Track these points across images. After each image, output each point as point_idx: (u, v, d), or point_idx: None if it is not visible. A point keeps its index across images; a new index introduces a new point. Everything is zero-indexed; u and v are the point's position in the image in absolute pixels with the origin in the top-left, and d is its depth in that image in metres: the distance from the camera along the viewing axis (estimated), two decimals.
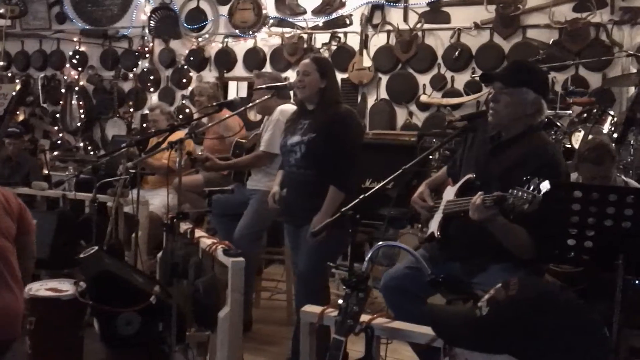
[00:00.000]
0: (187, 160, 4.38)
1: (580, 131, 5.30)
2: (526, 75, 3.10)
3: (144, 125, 8.75)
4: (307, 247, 4.01)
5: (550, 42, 6.61)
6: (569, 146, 5.27)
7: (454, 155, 3.58)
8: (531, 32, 6.84)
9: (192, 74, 8.60)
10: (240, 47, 8.33)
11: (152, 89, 8.87)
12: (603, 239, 2.54)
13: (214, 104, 5.09)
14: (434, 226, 3.21)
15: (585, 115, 5.55)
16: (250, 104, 4.80)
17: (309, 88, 4.07)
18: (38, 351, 3.95)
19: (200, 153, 5.19)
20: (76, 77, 9.32)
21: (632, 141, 5.20)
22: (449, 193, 3.22)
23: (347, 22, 7.69)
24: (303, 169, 4.05)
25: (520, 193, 2.45)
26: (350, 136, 4.06)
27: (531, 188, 2.42)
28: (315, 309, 2.86)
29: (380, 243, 2.61)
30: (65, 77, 9.45)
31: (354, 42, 7.64)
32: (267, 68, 8.01)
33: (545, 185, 2.40)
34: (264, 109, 4.98)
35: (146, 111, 8.67)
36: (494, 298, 1.60)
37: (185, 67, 8.61)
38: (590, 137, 5.00)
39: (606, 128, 5.32)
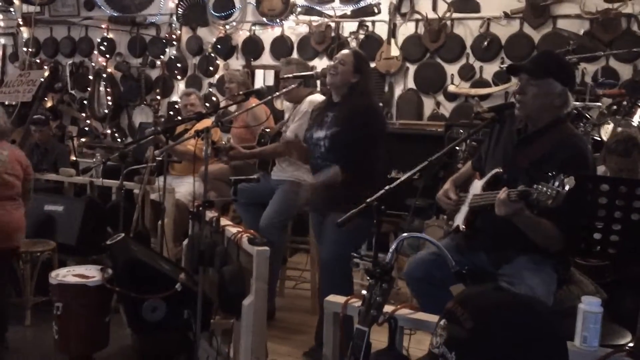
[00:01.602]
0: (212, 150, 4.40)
1: (609, 123, 5.25)
2: (553, 67, 3.07)
3: (171, 112, 8.79)
4: (330, 236, 4.05)
5: (581, 33, 6.54)
6: (598, 138, 5.22)
7: (480, 148, 3.56)
8: (562, 22, 6.76)
9: (219, 61, 8.61)
10: (268, 35, 8.33)
11: (179, 77, 8.90)
12: (630, 233, 2.52)
13: (241, 92, 5.10)
14: (459, 219, 3.19)
15: (615, 107, 5.49)
16: (277, 93, 4.79)
17: (340, 77, 4.08)
18: (65, 336, 4.00)
19: (224, 142, 5.19)
20: (104, 64, 9.36)
21: None
22: (476, 187, 3.20)
23: (375, 10, 7.65)
24: (328, 162, 4.07)
25: (544, 189, 2.44)
26: (368, 129, 4.04)
27: (556, 184, 2.40)
28: (339, 299, 2.87)
29: (404, 235, 2.60)
30: (94, 64, 9.50)
31: (382, 31, 7.60)
32: (295, 57, 8.00)
33: (569, 182, 2.38)
34: (293, 97, 4.96)
35: (174, 98, 8.73)
36: (453, 339, 1.53)
37: (213, 55, 8.62)
38: (619, 129, 4.95)
39: (636, 120, 5.26)
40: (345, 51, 4.23)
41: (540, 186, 2.47)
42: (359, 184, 3.92)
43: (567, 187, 2.37)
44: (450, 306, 1.57)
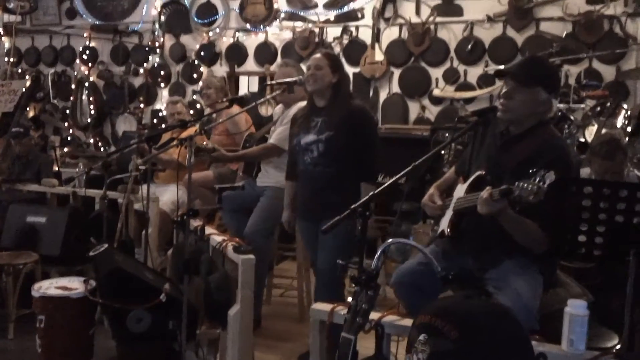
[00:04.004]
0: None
1: (594, 125, 5.26)
2: (541, 75, 3.05)
3: (155, 120, 8.75)
4: (328, 243, 3.97)
5: (564, 35, 6.57)
6: (583, 140, 5.22)
7: (463, 152, 3.55)
8: (544, 24, 6.80)
9: (203, 68, 8.58)
10: (252, 42, 8.31)
11: (162, 84, 8.86)
12: (614, 235, 2.51)
13: (225, 99, 5.06)
14: (444, 224, 3.18)
15: (599, 108, 5.50)
16: (262, 100, 4.77)
17: (320, 82, 4.05)
18: (48, 349, 3.97)
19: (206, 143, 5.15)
20: (86, 72, 9.31)
21: None
22: (460, 190, 3.19)
23: (359, 15, 7.66)
24: (322, 166, 4.02)
25: (525, 185, 2.45)
26: (371, 130, 4.08)
27: (537, 180, 2.41)
28: (326, 306, 2.84)
29: (390, 240, 2.58)
30: (76, 73, 9.44)
31: (366, 35, 7.60)
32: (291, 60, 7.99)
33: (550, 177, 2.38)
34: (286, 101, 4.89)
35: (158, 106, 8.69)
36: (439, 352, 1.53)
37: (196, 62, 8.60)
38: (603, 130, 4.95)
39: (620, 121, 5.27)
40: (316, 56, 4.16)
41: (522, 183, 2.47)
42: (356, 189, 3.91)
43: (547, 182, 2.38)
44: (426, 320, 1.56)
